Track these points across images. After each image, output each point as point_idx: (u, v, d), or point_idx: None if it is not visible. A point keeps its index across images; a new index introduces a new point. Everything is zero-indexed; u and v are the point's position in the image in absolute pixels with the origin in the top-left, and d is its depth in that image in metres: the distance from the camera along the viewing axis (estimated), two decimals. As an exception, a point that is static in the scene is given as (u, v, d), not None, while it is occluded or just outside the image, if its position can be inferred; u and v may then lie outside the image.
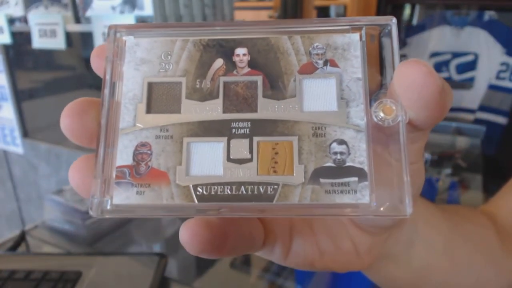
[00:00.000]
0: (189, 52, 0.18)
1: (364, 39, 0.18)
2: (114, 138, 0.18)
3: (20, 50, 1.28)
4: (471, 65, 1.35)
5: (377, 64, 0.17)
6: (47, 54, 1.25)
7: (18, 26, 1.17)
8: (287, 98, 0.18)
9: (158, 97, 0.18)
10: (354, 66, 0.18)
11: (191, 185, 0.17)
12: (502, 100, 1.32)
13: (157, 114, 0.18)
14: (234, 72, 0.18)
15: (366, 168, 0.17)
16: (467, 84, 1.38)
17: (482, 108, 1.36)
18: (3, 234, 1.19)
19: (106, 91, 0.18)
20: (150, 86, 0.18)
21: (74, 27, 1.06)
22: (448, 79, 1.39)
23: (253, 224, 0.21)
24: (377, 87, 0.17)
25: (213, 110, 0.18)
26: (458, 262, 0.30)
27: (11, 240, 0.80)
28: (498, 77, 1.31)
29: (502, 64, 1.30)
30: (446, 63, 1.38)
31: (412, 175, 0.19)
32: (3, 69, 1.28)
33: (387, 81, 0.17)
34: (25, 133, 1.34)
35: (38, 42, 1.08)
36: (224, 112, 0.18)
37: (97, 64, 0.19)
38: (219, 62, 0.18)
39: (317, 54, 0.18)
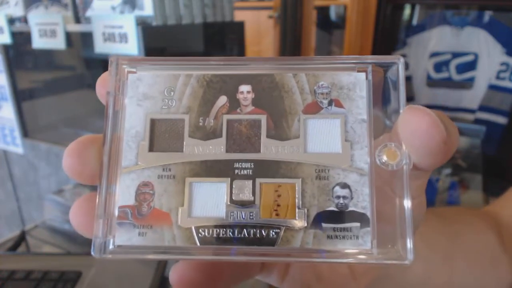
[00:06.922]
0: (193, 88, 0.18)
1: (370, 78, 0.17)
2: (116, 177, 0.17)
3: (20, 50, 1.28)
4: (471, 65, 1.35)
5: (381, 103, 0.17)
6: (47, 54, 1.25)
7: (18, 26, 1.17)
8: (291, 139, 0.17)
9: (160, 135, 0.18)
10: (359, 107, 0.17)
11: (193, 227, 0.17)
12: (502, 100, 1.32)
13: (160, 152, 0.18)
14: (238, 110, 0.18)
15: (368, 214, 0.16)
16: (467, 84, 1.38)
17: (482, 108, 1.36)
18: (3, 234, 1.19)
19: (109, 127, 0.17)
20: (153, 122, 0.18)
21: (74, 27, 1.06)
22: (448, 79, 1.39)
23: None
24: (381, 128, 0.17)
25: (216, 149, 0.17)
26: (457, 273, 0.30)
27: (11, 240, 0.80)
28: (498, 77, 1.31)
29: (502, 64, 1.29)
30: (446, 63, 1.38)
31: (414, 209, 0.19)
32: (3, 69, 1.28)
33: (392, 121, 0.17)
34: (25, 133, 1.34)
35: (38, 42, 1.08)
36: (227, 151, 0.17)
37: (102, 93, 0.18)
38: (222, 100, 0.18)
39: (322, 94, 0.17)
